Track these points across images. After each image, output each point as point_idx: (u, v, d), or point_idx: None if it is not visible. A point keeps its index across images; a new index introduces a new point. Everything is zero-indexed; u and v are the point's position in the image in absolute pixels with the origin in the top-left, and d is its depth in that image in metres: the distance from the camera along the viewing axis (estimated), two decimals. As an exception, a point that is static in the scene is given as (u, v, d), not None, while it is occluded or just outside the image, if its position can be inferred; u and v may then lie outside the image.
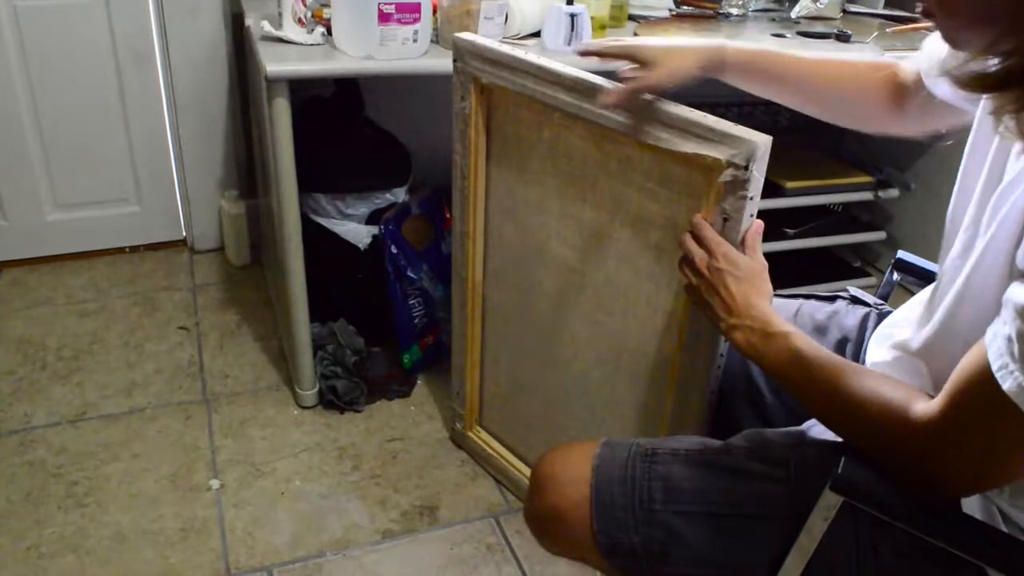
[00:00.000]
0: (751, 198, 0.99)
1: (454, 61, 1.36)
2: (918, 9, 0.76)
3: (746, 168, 0.97)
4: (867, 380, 0.80)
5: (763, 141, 0.96)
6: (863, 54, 1.09)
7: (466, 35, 1.33)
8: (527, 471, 1.60)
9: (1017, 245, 0.67)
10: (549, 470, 0.99)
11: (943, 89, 0.94)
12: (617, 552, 0.92)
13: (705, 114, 1.02)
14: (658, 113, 1.06)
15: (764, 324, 0.89)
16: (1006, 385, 0.63)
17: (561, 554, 1.02)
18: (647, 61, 1.03)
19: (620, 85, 1.06)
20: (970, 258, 0.76)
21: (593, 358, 1.37)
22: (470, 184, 1.43)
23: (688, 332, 1.14)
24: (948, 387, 0.70)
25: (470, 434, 1.74)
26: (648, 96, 1.06)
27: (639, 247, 1.20)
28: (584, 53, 1.12)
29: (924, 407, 0.72)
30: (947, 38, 0.73)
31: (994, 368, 0.64)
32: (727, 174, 0.99)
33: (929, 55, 0.97)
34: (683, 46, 1.04)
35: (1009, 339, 0.63)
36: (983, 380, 0.65)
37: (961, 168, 0.87)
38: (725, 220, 1.02)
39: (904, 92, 1.04)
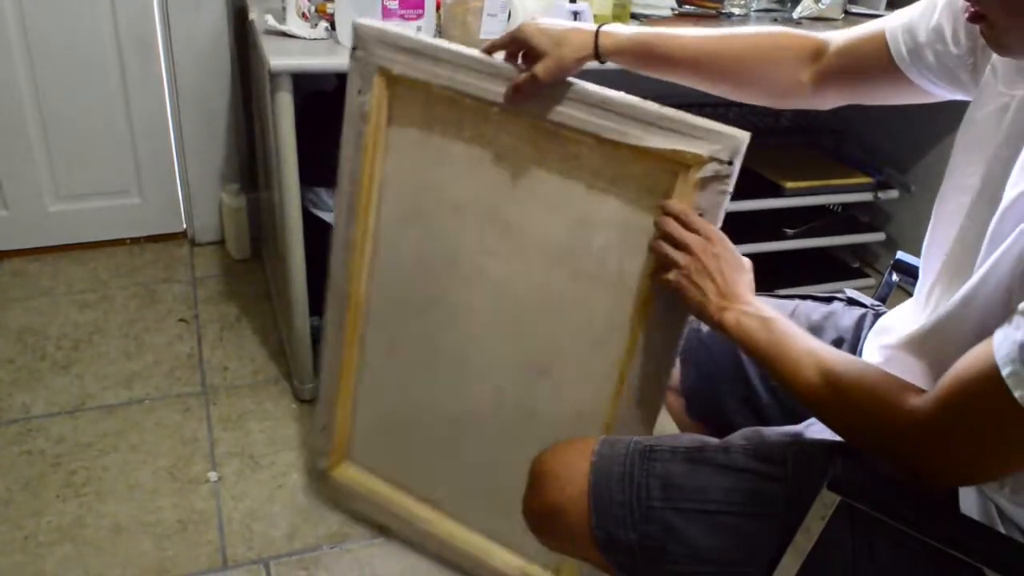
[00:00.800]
0: (729, 193, 1.00)
1: (353, 49, 1.21)
2: (965, 16, 0.74)
3: (730, 163, 0.98)
4: (861, 368, 0.80)
5: (746, 136, 0.98)
6: (778, 27, 1.07)
7: (371, 21, 1.20)
8: (412, 503, 1.47)
9: None
10: (547, 466, 0.99)
11: (920, 65, 0.92)
12: (615, 549, 0.92)
13: (680, 111, 1.01)
14: (628, 109, 1.04)
15: (758, 309, 0.89)
16: (1018, 393, 0.62)
17: (559, 550, 1.03)
18: (535, 52, 1.03)
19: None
20: (981, 262, 0.75)
21: (511, 372, 1.28)
22: (361, 189, 1.27)
23: (642, 336, 1.11)
24: (945, 384, 0.70)
25: (334, 474, 1.52)
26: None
27: (579, 251, 1.15)
28: (487, 49, 1.10)
29: (918, 401, 0.72)
30: (998, 43, 0.73)
31: (1004, 373, 0.63)
32: (708, 169, 0.99)
33: (908, 33, 0.93)
34: (569, 34, 1.02)
35: (1021, 346, 0.63)
36: (987, 382, 0.65)
37: (951, 166, 0.87)
38: (699, 215, 1.02)
39: (823, 63, 1.02)
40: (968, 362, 0.68)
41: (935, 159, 2.38)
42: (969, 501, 0.81)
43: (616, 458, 0.94)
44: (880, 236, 2.47)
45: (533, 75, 1.03)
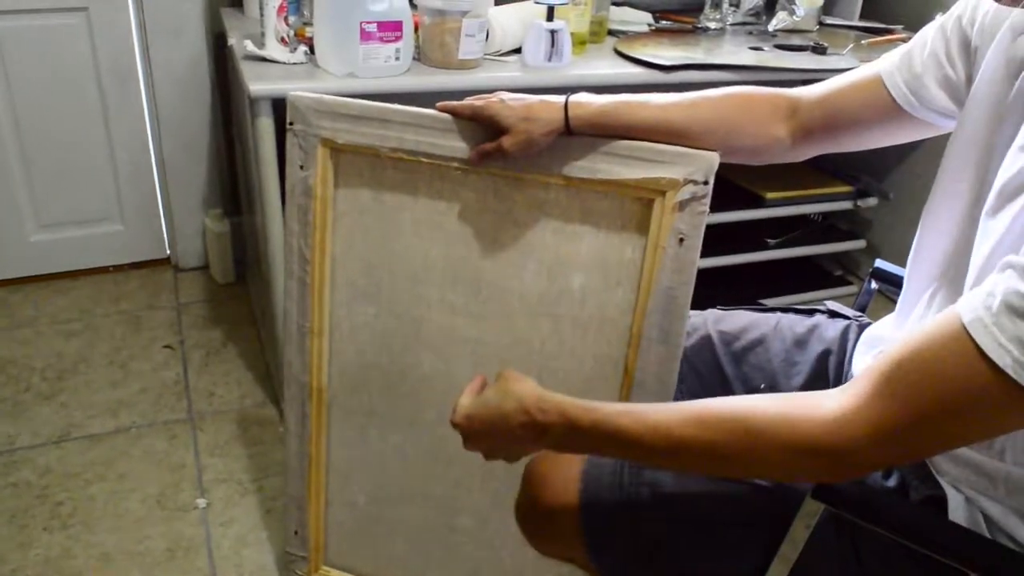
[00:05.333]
0: (707, 213, 1.01)
1: (289, 124, 1.13)
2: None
3: (705, 183, 0.99)
4: (740, 401, 0.76)
5: (716, 156, 0.99)
6: (749, 88, 1.06)
7: (303, 93, 1.12)
8: None
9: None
10: (539, 470, 0.99)
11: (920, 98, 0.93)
12: (605, 555, 0.93)
13: (645, 143, 1.01)
14: (595, 146, 1.03)
15: (567, 419, 0.81)
16: (983, 340, 0.61)
17: (550, 553, 1.03)
18: (501, 127, 1.02)
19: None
20: (975, 259, 0.76)
21: None
22: (313, 270, 1.19)
23: (638, 372, 1.09)
24: (889, 359, 0.67)
25: None
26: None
27: (558, 296, 1.12)
28: (442, 108, 1.08)
29: (839, 397, 0.69)
30: None
31: (965, 320, 0.62)
32: (686, 191, 1.00)
33: (905, 69, 0.93)
34: (537, 108, 1.01)
35: (986, 295, 0.62)
36: (947, 338, 0.63)
37: (942, 173, 0.88)
38: (681, 241, 1.02)
39: (803, 117, 1.02)
40: (918, 334, 0.67)
41: (912, 166, 2.40)
42: (957, 510, 0.82)
43: (607, 464, 0.95)
44: (860, 243, 2.50)
45: (501, 147, 1.03)
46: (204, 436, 1.83)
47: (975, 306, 0.63)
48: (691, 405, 0.77)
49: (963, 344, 0.62)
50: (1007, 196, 0.71)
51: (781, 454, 0.71)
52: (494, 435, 0.87)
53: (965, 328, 0.62)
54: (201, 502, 1.66)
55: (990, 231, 0.72)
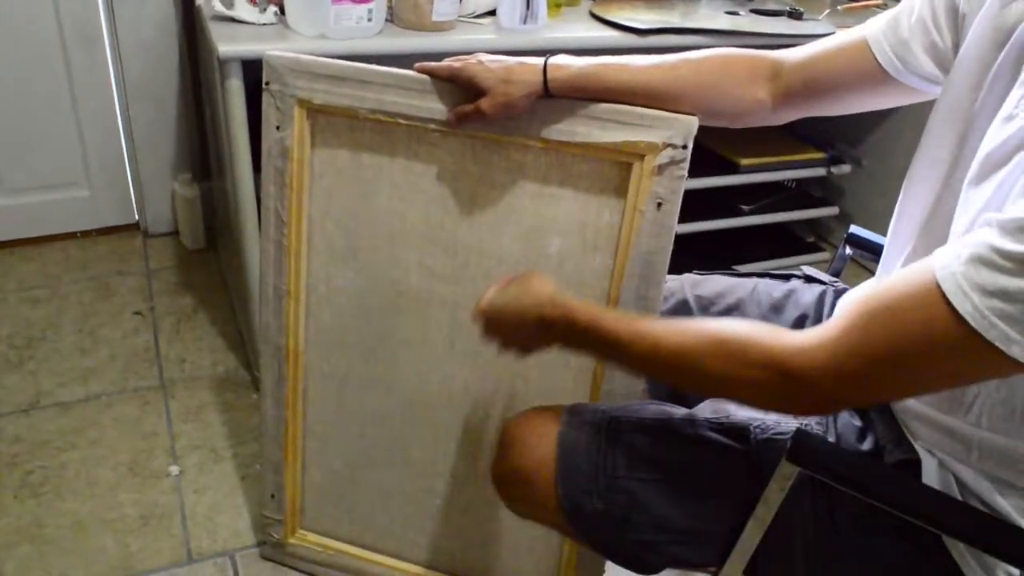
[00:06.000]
0: (685, 177, 1.01)
1: (265, 84, 1.12)
2: None
3: (684, 147, 0.99)
4: (724, 323, 0.79)
5: (695, 120, 0.99)
6: (730, 49, 1.05)
7: (279, 52, 1.11)
8: (381, 559, 1.40)
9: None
10: (516, 432, 0.99)
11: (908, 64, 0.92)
12: (581, 517, 0.94)
13: (624, 106, 1.01)
14: (574, 109, 1.03)
15: (570, 318, 0.87)
16: (953, 296, 0.62)
17: (527, 516, 1.04)
18: (480, 89, 1.01)
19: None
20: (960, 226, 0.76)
21: (479, 400, 1.24)
22: (290, 232, 1.18)
23: None
24: (859, 303, 0.69)
25: (293, 541, 1.42)
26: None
27: (535, 259, 1.13)
28: (420, 69, 1.07)
29: (811, 331, 0.72)
30: None
31: (936, 266, 0.64)
32: (664, 155, 1.00)
33: (891, 33, 0.92)
34: (516, 70, 1.00)
35: (957, 252, 0.63)
36: (918, 290, 0.65)
37: (925, 139, 0.88)
38: (659, 205, 1.02)
39: (785, 80, 1.01)
40: (890, 280, 0.68)
41: (885, 133, 2.41)
42: (930, 473, 0.83)
43: (583, 427, 0.96)
44: (834, 210, 2.51)
45: (479, 109, 1.02)
46: (176, 403, 1.82)
47: (947, 256, 0.64)
48: (678, 320, 0.84)
49: (929, 290, 0.64)
50: (991, 166, 0.71)
51: (748, 370, 0.74)
52: (510, 326, 0.94)
53: (934, 275, 0.64)
54: (174, 469, 1.65)
55: (972, 200, 0.72)
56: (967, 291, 0.62)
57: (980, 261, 0.61)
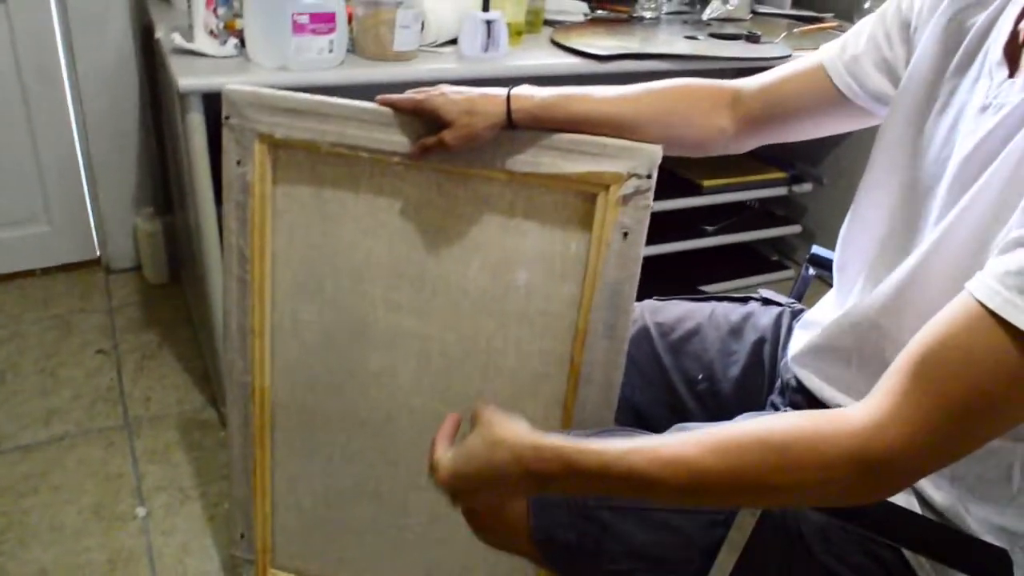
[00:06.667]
0: (650, 206, 1.01)
1: (225, 118, 1.09)
2: None
3: (649, 177, 1.00)
4: (756, 426, 0.72)
5: (659, 149, 1.00)
6: (689, 80, 1.07)
7: (238, 86, 1.08)
8: None
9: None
10: None
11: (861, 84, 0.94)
12: (554, 548, 0.93)
13: (587, 136, 1.01)
14: (538, 140, 1.02)
15: (569, 465, 0.75)
16: (1014, 317, 0.60)
17: (499, 547, 1.02)
18: (443, 120, 1.01)
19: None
20: (931, 232, 0.76)
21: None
22: (253, 269, 1.16)
23: (584, 365, 1.08)
24: (909, 362, 0.66)
25: None
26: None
27: (503, 292, 1.11)
28: (382, 102, 1.06)
29: (865, 408, 0.67)
30: None
31: (992, 306, 0.62)
32: (629, 185, 1.00)
33: (844, 53, 0.95)
34: (479, 102, 1.00)
35: (1004, 274, 0.62)
36: (971, 331, 0.63)
37: (878, 152, 0.90)
38: (625, 235, 1.02)
39: (745, 107, 1.02)
40: (932, 331, 0.65)
41: (844, 152, 2.46)
42: None
43: None
44: (796, 228, 2.55)
45: (442, 141, 1.01)
46: (142, 443, 1.78)
47: (993, 287, 0.62)
48: (704, 434, 0.72)
49: (988, 327, 0.62)
50: (978, 163, 0.72)
51: (813, 472, 0.67)
52: (488, 490, 0.81)
53: (990, 311, 0.62)
54: (141, 511, 1.61)
55: (975, 202, 0.72)
56: None
57: None
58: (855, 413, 0.67)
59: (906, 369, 0.66)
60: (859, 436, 0.65)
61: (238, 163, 1.12)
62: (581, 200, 1.05)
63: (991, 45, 0.78)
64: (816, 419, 0.69)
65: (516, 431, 0.79)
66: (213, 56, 1.54)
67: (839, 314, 0.91)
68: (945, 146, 0.81)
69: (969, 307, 0.63)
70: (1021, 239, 0.63)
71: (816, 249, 1.24)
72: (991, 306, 0.62)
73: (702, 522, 0.90)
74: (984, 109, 0.75)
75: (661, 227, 2.20)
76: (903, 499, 0.83)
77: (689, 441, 0.72)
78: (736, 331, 1.13)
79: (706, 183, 2.26)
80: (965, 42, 0.81)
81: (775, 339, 1.09)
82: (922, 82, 0.85)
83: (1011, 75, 0.74)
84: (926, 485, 0.82)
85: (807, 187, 2.43)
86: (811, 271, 1.25)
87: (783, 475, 0.68)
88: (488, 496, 0.84)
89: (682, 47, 1.89)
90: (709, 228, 2.38)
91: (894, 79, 0.91)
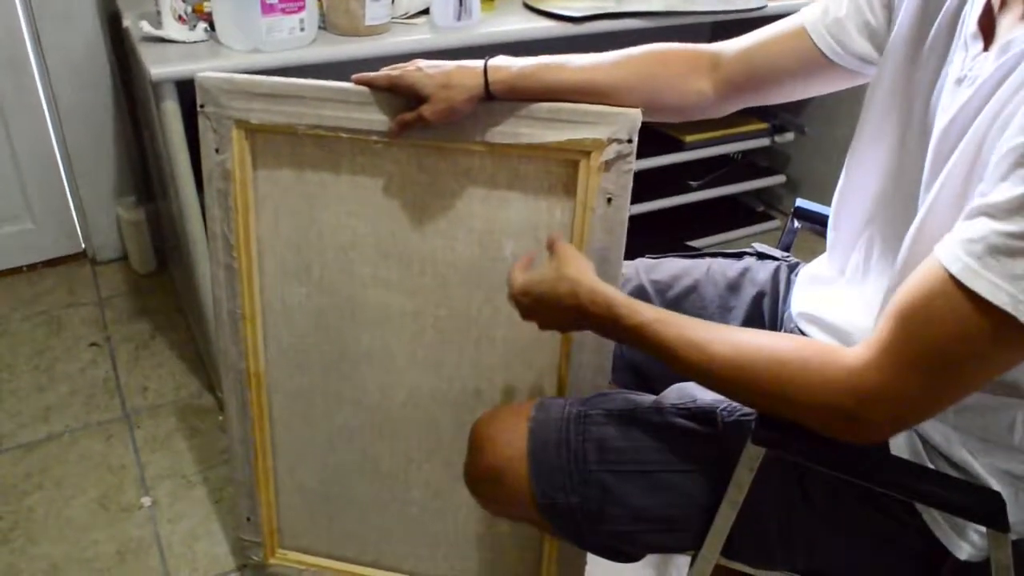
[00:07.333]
0: (633, 170, 1.01)
1: (200, 106, 1.09)
2: None
3: (630, 141, 1.00)
4: (770, 338, 0.80)
5: (638, 113, 1.00)
6: (669, 44, 1.06)
7: (211, 73, 1.08)
8: (363, 570, 1.39)
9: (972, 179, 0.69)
10: (486, 431, 1.00)
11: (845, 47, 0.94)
12: (556, 512, 0.94)
13: (566, 104, 1.01)
14: (516, 111, 1.02)
15: (614, 315, 0.86)
16: (973, 284, 0.63)
17: (503, 514, 1.04)
18: (420, 95, 1.00)
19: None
20: (926, 190, 0.77)
21: (445, 404, 1.23)
22: (240, 255, 1.16)
23: (573, 337, 1.11)
24: (891, 318, 0.69)
25: (273, 561, 1.40)
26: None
27: (491, 263, 1.12)
28: (358, 81, 1.05)
29: (855, 352, 0.71)
30: None
31: (953, 271, 0.64)
32: (611, 151, 1.00)
33: (826, 15, 0.94)
34: (455, 74, 1.00)
35: (964, 241, 0.64)
36: (937, 294, 0.65)
37: (866, 115, 0.90)
38: (609, 201, 1.02)
39: (726, 70, 1.02)
40: (909, 287, 0.68)
41: (824, 100, 2.43)
42: (898, 443, 0.84)
43: (552, 423, 0.96)
44: (780, 178, 2.55)
45: (421, 116, 1.00)
46: (142, 433, 1.79)
47: (955, 253, 0.64)
48: (728, 330, 0.83)
49: (950, 290, 0.64)
50: (956, 133, 0.73)
51: (804, 392, 0.73)
52: (547, 311, 0.92)
53: (954, 278, 0.64)
54: (146, 500, 1.62)
55: (953, 172, 0.73)
56: (997, 283, 0.62)
57: (997, 251, 0.62)
58: (852, 351, 0.72)
59: (891, 317, 0.69)
60: (848, 371, 0.71)
61: (216, 151, 1.11)
62: (563, 168, 1.05)
63: (967, 17, 0.78)
64: (822, 350, 0.75)
65: (582, 270, 0.90)
66: (183, 42, 1.52)
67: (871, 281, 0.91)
68: (926, 116, 0.81)
69: (935, 270, 0.66)
70: (983, 207, 0.64)
71: (800, 202, 1.25)
72: (952, 271, 0.64)
73: (702, 482, 0.91)
74: (960, 81, 0.75)
75: (646, 185, 2.20)
76: (909, 447, 0.84)
77: (713, 331, 0.81)
78: (734, 286, 1.13)
79: (688, 138, 2.26)
80: (942, 12, 0.81)
81: (775, 293, 1.10)
82: (904, 51, 0.85)
83: (985, 48, 0.74)
84: (933, 433, 0.83)
85: (789, 136, 2.42)
86: (797, 224, 1.26)
87: (777, 386, 0.75)
88: (547, 316, 0.93)
89: (657, 3, 1.87)
90: (694, 183, 2.38)
91: (877, 44, 0.91)
